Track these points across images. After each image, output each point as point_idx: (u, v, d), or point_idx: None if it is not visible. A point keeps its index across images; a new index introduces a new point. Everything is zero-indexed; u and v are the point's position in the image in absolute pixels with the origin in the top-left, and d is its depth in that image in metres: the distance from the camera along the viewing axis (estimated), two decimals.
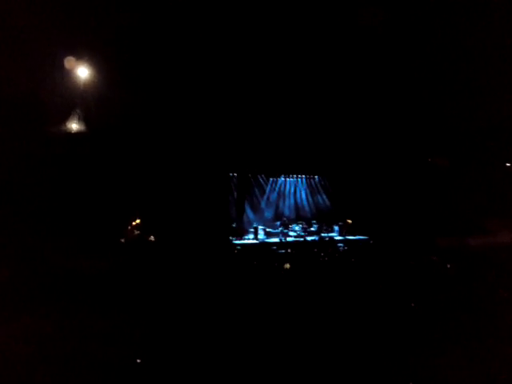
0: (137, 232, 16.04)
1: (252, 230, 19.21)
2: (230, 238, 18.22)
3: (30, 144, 12.71)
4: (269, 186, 21.02)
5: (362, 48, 14.88)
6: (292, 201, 21.57)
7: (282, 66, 15.30)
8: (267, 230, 19.45)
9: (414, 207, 17.91)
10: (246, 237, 19.04)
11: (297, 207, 21.62)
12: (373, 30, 13.59)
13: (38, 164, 12.79)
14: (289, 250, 17.32)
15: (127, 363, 6.65)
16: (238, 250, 17.17)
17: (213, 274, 12.47)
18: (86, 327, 7.87)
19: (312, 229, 20.49)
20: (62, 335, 7.47)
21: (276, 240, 18.87)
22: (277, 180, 21.21)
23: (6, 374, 6.12)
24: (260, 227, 19.28)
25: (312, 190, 21.94)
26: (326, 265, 15.08)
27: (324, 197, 21.96)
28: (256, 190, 20.67)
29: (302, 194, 21.77)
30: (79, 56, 13.70)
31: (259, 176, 20.66)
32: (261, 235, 19.04)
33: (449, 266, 13.79)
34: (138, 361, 6.77)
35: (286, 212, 21.22)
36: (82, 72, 14.07)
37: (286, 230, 19.77)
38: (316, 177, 21.94)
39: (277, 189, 21.27)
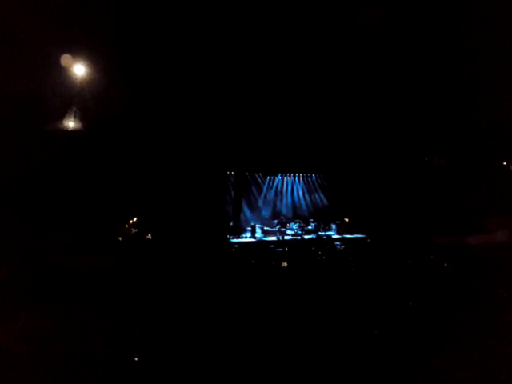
0: (134, 230, 15.99)
1: (249, 228, 19.18)
2: (228, 236, 18.18)
3: (28, 142, 12.66)
4: (266, 184, 20.98)
5: (360, 46, 14.87)
6: (289, 199, 21.53)
7: (278, 66, 15.28)
8: (265, 228, 19.44)
9: (411, 206, 17.92)
10: (244, 235, 19.01)
11: (294, 206, 21.58)
12: (371, 28, 13.58)
13: (36, 162, 12.74)
14: (286, 249, 17.32)
15: (126, 362, 6.61)
16: (235, 248, 17.15)
17: (210, 273, 12.45)
18: (84, 326, 7.83)
19: (309, 227, 20.47)
20: (60, 334, 7.43)
21: (273, 238, 18.84)
22: (274, 178, 21.17)
23: (6, 373, 6.07)
24: (257, 226, 19.27)
25: (309, 188, 21.91)
26: (324, 263, 15.07)
27: (321, 195, 21.93)
28: (253, 188, 20.63)
29: (300, 193, 21.74)
30: (77, 54, 13.64)
31: (256, 174, 20.62)
32: (258, 234, 19.03)
33: (446, 264, 13.81)
34: (136, 359, 6.73)
35: (284, 210, 21.19)
36: (80, 70, 14.00)
37: (283, 229, 19.75)
38: (313, 175, 21.91)
39: (274, 187, 21.23)
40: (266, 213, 20.79)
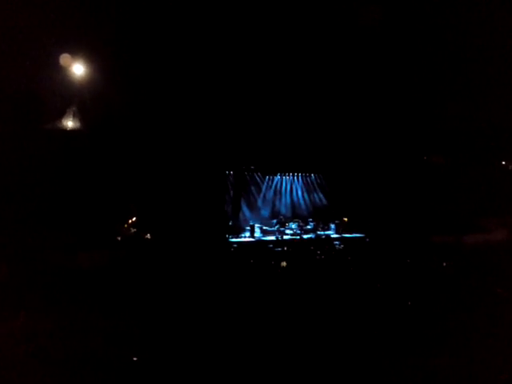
0: (133, 230, 15.98)
1: (248, 228, 19.16)
2: (227, 236, 18.17)
3: (27, 141, 12.64)
4: (265, 183, 20.95)
5: (359, 45, 14.87)
6: (288, 199, 21.50)
7: (278, 67, 15.28)
8: (264, 228, 19.40)
9: (410, 205, 17.93)
10: (243, 235, 18.99)
11: (293, 205, 21.55)
12: (370, 27, 13.58)
13: (35, 161, 12.72)
14: (285, 248, 17.32)
15: (125, 360, 6.62)
16: (234, 248, 17.15)
17: (209, 272, 12.45)
18: (83, 325, 7.83)
19: (308, 227, 20.44)
20: (58, 333, 7.43)
21: (272, 238, 18.82)
22: (273, 178, 21.15)
23: (5, 373, 6.07)
24: (256, 225, 19.23)
25: (308, 188, 21.88)
26: (323, 263, 15.09)
27: (320, 195, 21.91)
28: (252, 188, 20.61)
29: (299, 192, 21.71)
30: (76, 53, 13.63)
31: (255, 174, 20.61)
32: (257, 233, 19.00)
33: (445, 264, 13.83)
34: (135, 359, 6.75)
35: (283, 210, 21.16)
36: (79, 69, 13.99)
37: (282, 228, 19.72)
38: (312, 175, 21.90)
39: (273, 187, 21.21)
40: (265, 212, 20.77)
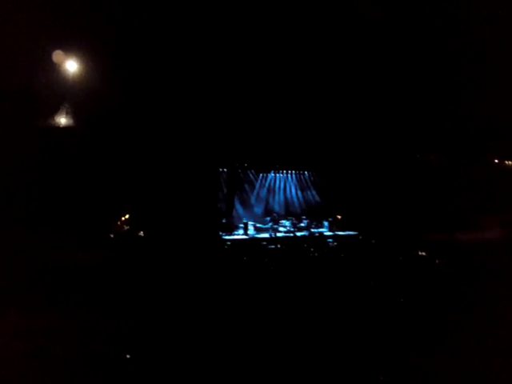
0: (126, 227, 15.93)
1: (242, 225, 19.17)
2: (220, 233, 18.17)
3: (20, 138, 12.54)
4: (259, 181, 20.98)
5: (352, 42, 14.86)
6: (282, 196, 21.55)
7: (270, 64, 15.25)
8: (257, 225, 19.41)
9: (403, 203, 18.00)
10: (236, 232, 19.00)
11: (287, 203, 21.59)
12: (364, 25, 13.57)
13: (28, 158, 12.63)
14: (279, 246, 17.34)
15: (121, 358, 6.60)
16: (227, 245, 17.15)
17: (202, 270, 12.44)
18: (79, 323, 7.78)
19: (302, 224, 20.48)
20: (54, 331, 7.38)
21: (266, 235, 18.86)
22: (267, 175, 21.17)
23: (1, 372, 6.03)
24: (250, 223, 19.25)
25: (302, 185, 21.94)
26: (316, 260, 15.13)
27: (314, 192, 21.97)
28: (246, 185, 20.63)
29: (292, 190, 21.76)
30: (69, 50, 13.55)
31: (249, 171, 20.62)
32: (251, 231, 19.02)
33: (438, 261, 13.90)
34: (128, 356, 6.73)
35: (276, 208, 21.19)
36: (71, 66, 13.91)
37: (275, 226, 19.74)
38: (306, 172, 21.94)
39: (267, 184, 21.23)
40: (258, 210, 20.80)
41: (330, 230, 20.25)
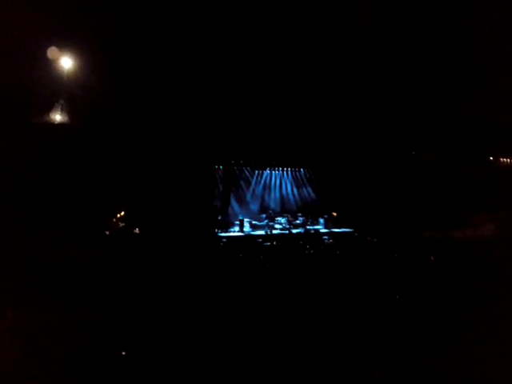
0: (122, 224, 15.89)
1: (238, 222, 19.16)
2: (216, 230, 18.16)
3: (16, 137, 12.47)
4: (254, 178, 20.97)
5: (350, 41, 14.86)
6: (278, 193, 21.56)
7: (266, 62, 15.23)
8: (253, 222, 19.43)
9: (399, 200, 18.05)
10: (232, 229, 18.99)
11: (282, 200, 21.61)
12: (362, 23, 13.57)
13: (23, 156, 12.56)
14: (274, 243, 17.36)
15: (117, 355, 6.60)
16: (223, 242, 17.14)
17: (198, 267, 12.44)
18: (75, 320, 7.77)
19: (297, 221, 20.52)
20: (49, 329, 7.36)
21: (262, 233, 18.86)
22: (262, 172, 21.16)
23: None
24: (246, 220, 19.25)
25: (298, 182, 21.95)
26: (312, 257, 15.15)
27: (309, 189, 21.99)
28: (242, 182, 20.61)
29: (288, 187, 21.77)
30: (64, 47, 13.49)
31: (245, 168, 20.61)
32: (246, 228, 19.02)
33: (433, 258, 13.96)
34: (123, 353, 6.73)
35: (272, 205, 21.21)
36: (66, 63, 13.85)
37: (271, 223, 19.77)
38: (302, 169, 21.95)
39: (262, 181, 21.22)
40: (254, 207, 20.79)
41: (325, 227, 20.28)
